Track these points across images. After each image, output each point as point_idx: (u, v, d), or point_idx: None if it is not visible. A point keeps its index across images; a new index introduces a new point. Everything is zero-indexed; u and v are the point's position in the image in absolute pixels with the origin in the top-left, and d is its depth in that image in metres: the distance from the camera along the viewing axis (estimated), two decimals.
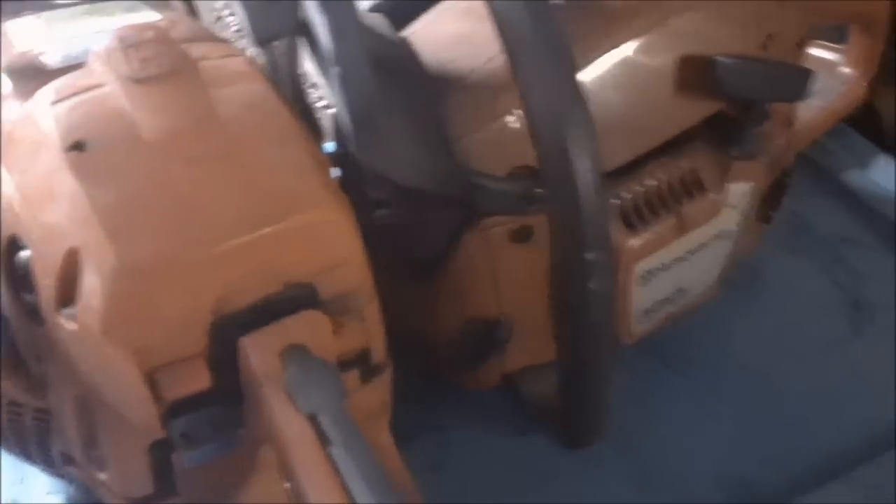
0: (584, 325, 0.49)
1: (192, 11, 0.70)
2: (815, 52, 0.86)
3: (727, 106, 0.61)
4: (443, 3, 0.64)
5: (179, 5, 0.68)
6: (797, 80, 0.61)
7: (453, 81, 0.56)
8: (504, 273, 0.57)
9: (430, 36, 0.60)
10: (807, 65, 0.85)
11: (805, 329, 0.72)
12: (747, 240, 0.70)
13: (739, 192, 0.62)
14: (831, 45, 0.87)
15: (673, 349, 0.68)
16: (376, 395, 0.50)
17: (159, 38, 0.45)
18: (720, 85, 0.57)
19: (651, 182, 0.60)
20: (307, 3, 0.49)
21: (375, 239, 0.52)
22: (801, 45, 0.69)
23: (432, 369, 0.64)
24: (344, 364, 0.46)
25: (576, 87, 0.46)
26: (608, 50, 0.57)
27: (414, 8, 0.64)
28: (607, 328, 0.50)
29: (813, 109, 0.84)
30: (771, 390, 0.67)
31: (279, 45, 0.54)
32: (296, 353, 0.40)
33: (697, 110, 0.60)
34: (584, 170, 0.45)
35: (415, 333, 0.61)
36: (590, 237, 0.46)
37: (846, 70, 0.86)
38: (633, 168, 0.59)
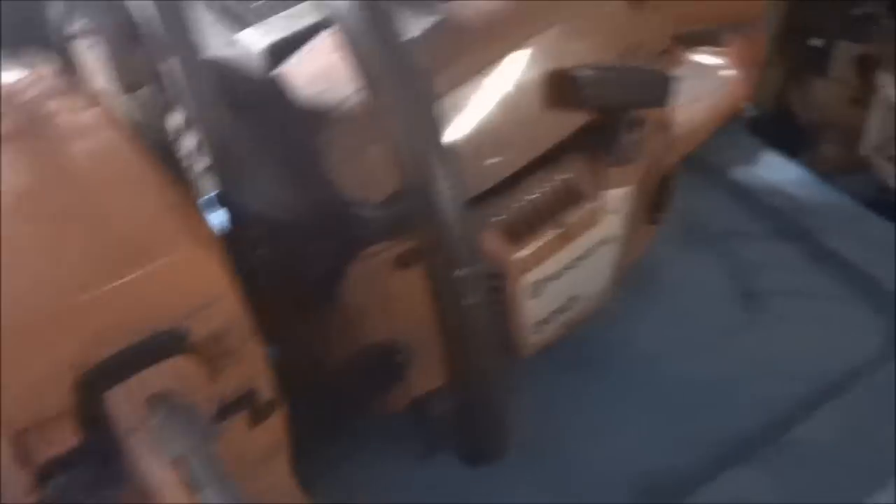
0: (464, 341, 0.50)
1: (70, 65, 0.69)
2: (699, 56, 0.89)
3: (598, 115, 0.63)
4: (318, 37, 0.65)
5: (54, 61, 0.68)
6: (658, 85, 0.63)
7: (324, 113, 0.57)
8: (394, 299, 0.58)
9: (302, 70, 0.61)
10: (691, 69, 0.89)
11: (702, 320, 0.74)
12: (638, 241, 0.72)
13: (619, 197, 0.64)
14: (713, 48, 0.91)
15: (575, 353, 0.70)
16: (269, 434, 0.50)
17: (5, 99, 0.45)
18: (583, 96, 0.59)
19: (530, 196, 0.61)
20: (159, 49, 0.49)
21: (269, 275, 0.52)
22: (670, 51, 0.71)
23: (341, 400, 0.64)
24: (228, 407, 0.46)
25: (431, 115, 0.47)
26: (475, 72, 0.58)
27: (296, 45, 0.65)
28: (489, 342, 0.50)
29: (699, 111, 0.88)
30: (673, 382, 0.69)
31: (143, 93, 0.54)
32: (161, 401, 0.39)
33: (568, 122, 0.61)
34: (444, 191, 0.46)
35: (319, 366, 0.61)
36: (458, 255, 0.47)
37: (728, 71, 0.90)
38: (512, 183, 0.61)
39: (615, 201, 0.64)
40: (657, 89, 0.63)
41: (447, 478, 0.62)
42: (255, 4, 0.64)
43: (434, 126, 0.46)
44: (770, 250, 0.80)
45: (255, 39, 0.62)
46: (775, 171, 0.86)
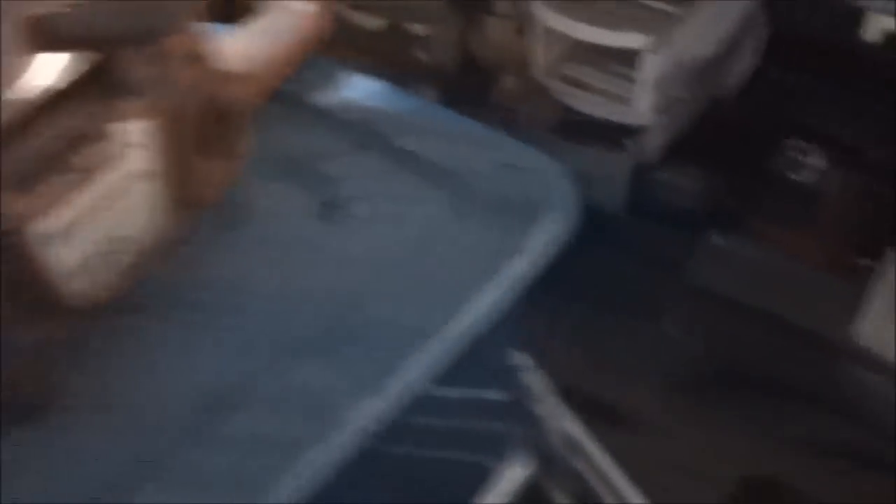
0: None
1: None
2: None
3: (99, 53, 0.63)
4: None
5: None
6: (152, 16, 0.64)
7: None
8: None
9: None
10: (264, 5, 0.92)
11: (287, 239, 0.77)
12: (209, 175, 0.74)
13: (139, 131, 0.65)
14: None
15: (158, 294, 0.70)
16: None
17: None
18: (59, 36, 0.59)
19: (37, 144, 0.60)
20: None
21: None
22: None
23: None
24: None
25: None
26: None
27: None
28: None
29: (276, 46, 0.91)
30: (257, 302, 0.72)
31: None
32: None
33: (63, 64, 0.61)
34: None
35: None
36: None
37: (303, 7, 0.94)
38: (12, 133, 0.59)
39: (140, 136, 0.65)
40: (152, 21, 0.64)
41: (29, 450, 0.61)
42: None
43: None
44: (351, 162, 0.85)
45: None
46: (351, 88, 0.91)
